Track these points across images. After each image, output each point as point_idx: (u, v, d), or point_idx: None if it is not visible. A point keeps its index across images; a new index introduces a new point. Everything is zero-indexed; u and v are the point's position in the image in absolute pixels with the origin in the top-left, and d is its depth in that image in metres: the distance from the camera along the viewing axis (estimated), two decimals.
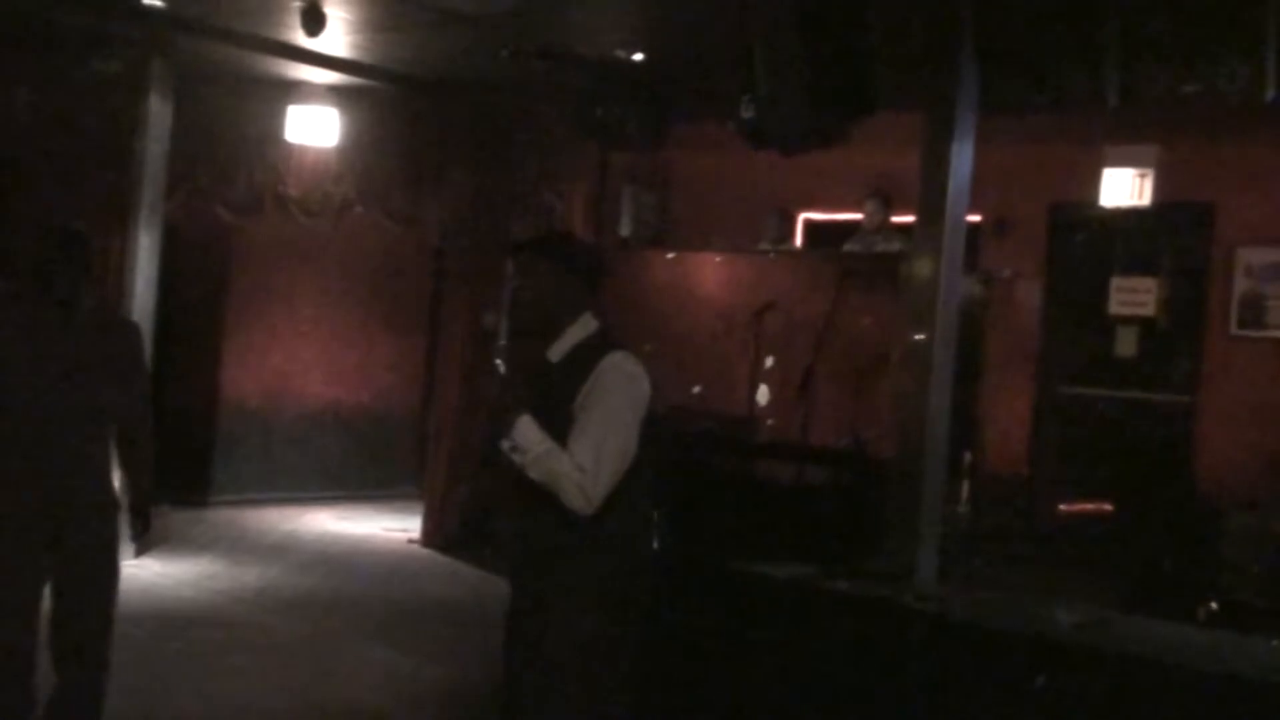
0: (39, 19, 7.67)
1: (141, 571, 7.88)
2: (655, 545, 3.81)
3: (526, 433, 3.39)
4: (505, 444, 3.42)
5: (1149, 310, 8.65)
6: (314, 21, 7.02)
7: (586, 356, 3.50)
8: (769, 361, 7.79)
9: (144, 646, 6.23)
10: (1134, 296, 8.70)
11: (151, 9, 7.48)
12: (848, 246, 8.90)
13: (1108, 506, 8.28)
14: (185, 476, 10.17)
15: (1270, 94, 4.92)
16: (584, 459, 3.36)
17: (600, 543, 3.45)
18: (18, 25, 7.76)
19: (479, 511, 9.33)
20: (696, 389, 8.22)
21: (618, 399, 3.45)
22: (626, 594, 3.52)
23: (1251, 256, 8.34)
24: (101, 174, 8.28)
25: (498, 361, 3.58)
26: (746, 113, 6.54)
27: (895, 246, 8.24)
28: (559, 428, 3.40)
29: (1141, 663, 4.32)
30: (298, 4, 7.01)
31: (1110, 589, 6.68)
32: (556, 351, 3.56)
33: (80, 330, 4.52)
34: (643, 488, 3.54)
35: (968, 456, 8.00)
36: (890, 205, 8.72)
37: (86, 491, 4.54)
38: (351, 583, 8.34)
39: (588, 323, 3.58)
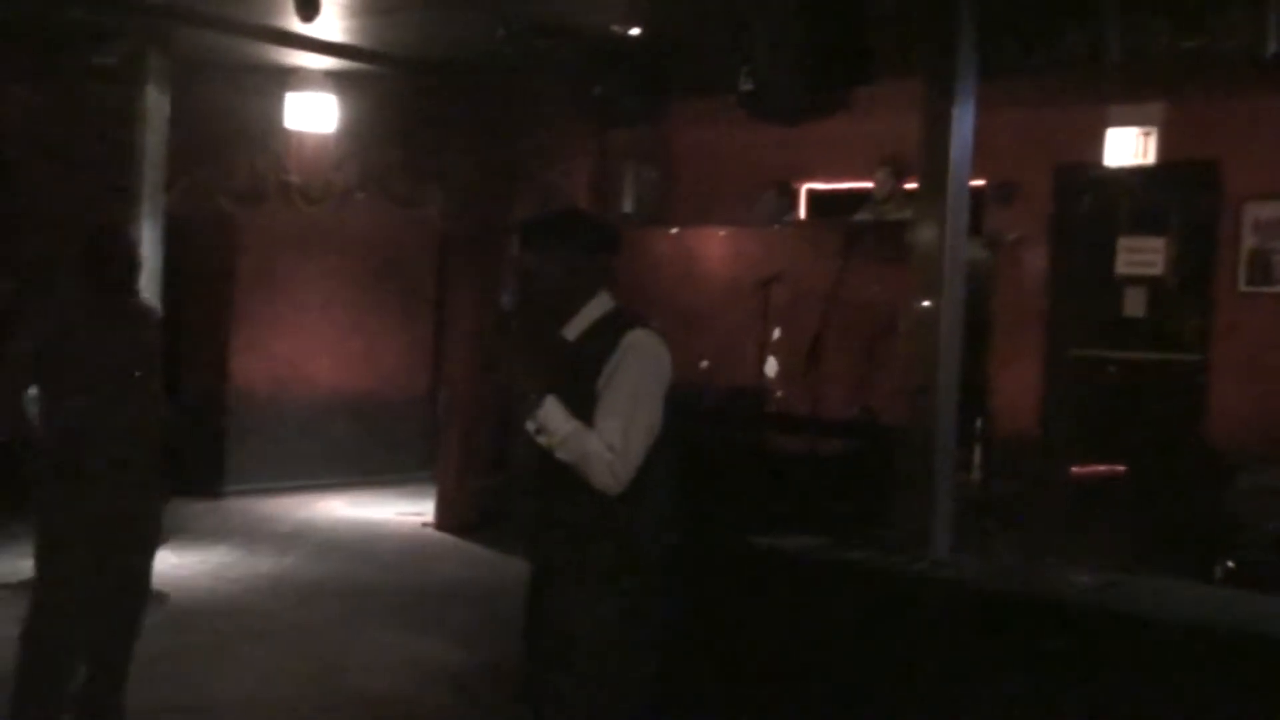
0: (35, 14, 7.64)
1: (156, 563, 7.88)
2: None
3: (553, 414, 3.36)
4: (530, 426, 3.40)
5: (1157, 270, 8.61)
6: (308, 7, 6.99)
7: (606, 334, 3.46)
8: (776, 333, 7.78)
9: (160, 637, 6.23)
10: (1141, 256, 8.66)
11: (147, 1, 7.45)
12: (859, 216, 8.86)
13: (1120, 468, 8.27)
14: (197, 467, 10.19)
15: (1273, 47, 4.88)
16: (612, 438, 3.33)
17: (627, 523, 3.43)
18: (14, 21, 7.74)
19: (497, 496, 9.34)
20: (704, 363, 8.21)
21: (643, 376, 3.42)
22: (652, 575, 3.49)
23: (1259, 212, 8.29)
24: (102, 168, 8.26)
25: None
26: (745, 85, 6.52)
27: (907, 215, 8.20)
28: (582, 407, 3.38)
29: (1158, 623, 4.31)
30: None
31: (1125, 550, 6.67)
32: (573, 330, 3.53)
33: (134, 322, 4.76)
34: (667, 466, 3.51)
35: (979, 422, 7.99)
36: (901, 174, 8.67)
37: (146, 481, 4.67)
38: (367, 568, 8.36)
39: (604, 300, 3.54)
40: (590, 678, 3.43)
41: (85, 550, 4.58)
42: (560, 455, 3.36)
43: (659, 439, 3.44)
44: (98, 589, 4.68)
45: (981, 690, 4.50)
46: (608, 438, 3.33)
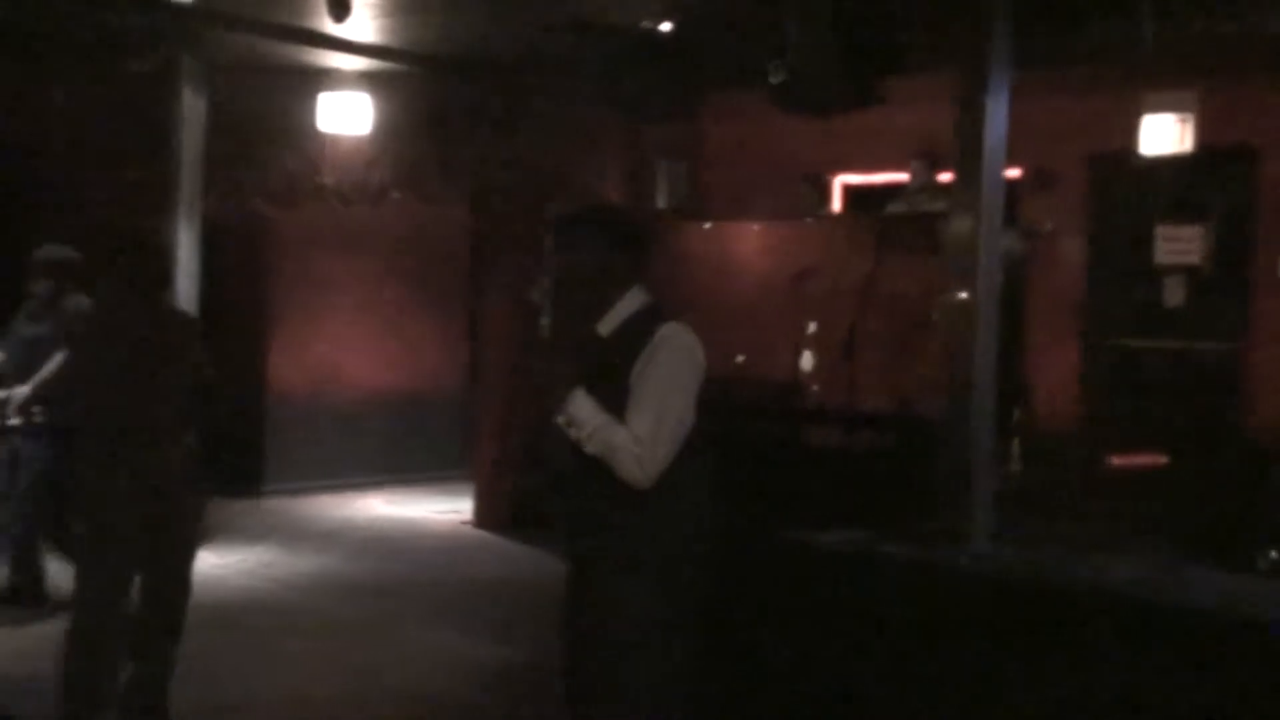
0: (70, 19, 7.71)
1: (197, 563, 7.95)
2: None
3: (581, 407, 3.38)
4: (560, 418, 3.41)
5: (1195, 258, 8.52)
6: (340, 7, 7.02)
7: (639, 329, 3.47)
8: (811, 327, 7.75)
9: (202, 636, 6.26)
10: (1179, 245, 8.57)
11: (181, 4, 7.50)
12: (892, 208, 8.82)
13: (1161, 458, 8.19)
14: (236, 468, 10.26)
15: None
16: (641, 431, 3.34)
17: (661, 519, 3.43)
18: (50, 25, 7.80)
19: (534, 493, 9.35)
20: (739, 358, 8.19)
21: (675, 370, 3.43)
22: (687, 571, 3.50)
23: None
24: (139, 171, 8.33)
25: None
26: (777, 77, 6.50)
27: (942, 206, 8.15)
28: (614, 401, 3.38)
29: (1201, 615, 4.28)
30: None
31: (1167, 541, 6.61)
32: (607, 325, 3.54)
33: (165, 326, 4.84)
34: (701, 461, 3.51)
35: (1017, 413, 7.93)
36: (936, 165, 8.61)
37: (181, 483, 4.72)
38: (406, 566, 8.39)
39: (637, 295, 3.55)
40: (627, 671, 3.43)
41: (127, 548, 4.64)
42: (589, 448, 3.38)
43: (692, 433, 3.44)
44: (141, 588, 4.74)
45: (1023, 683, 4.48)
46: (636, 430, 3.34)
